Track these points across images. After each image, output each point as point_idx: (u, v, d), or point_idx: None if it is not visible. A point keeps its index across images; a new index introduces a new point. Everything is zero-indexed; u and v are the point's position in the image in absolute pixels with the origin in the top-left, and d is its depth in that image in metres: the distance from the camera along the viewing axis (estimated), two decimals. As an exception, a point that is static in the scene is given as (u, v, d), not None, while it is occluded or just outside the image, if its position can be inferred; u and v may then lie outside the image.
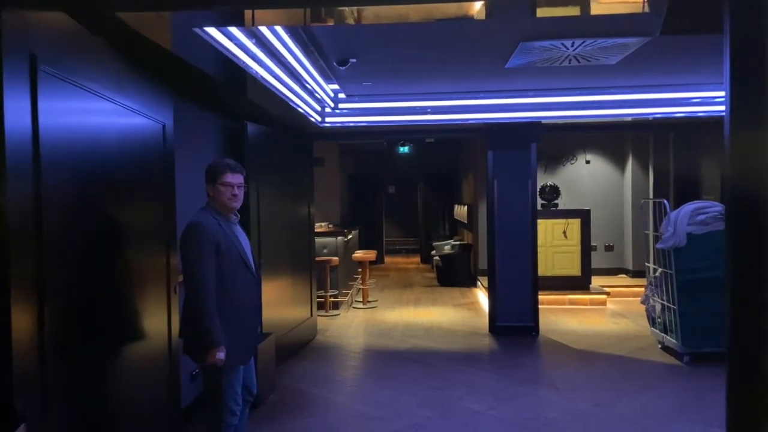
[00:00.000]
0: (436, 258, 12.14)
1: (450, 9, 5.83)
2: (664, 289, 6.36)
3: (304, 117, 6.11)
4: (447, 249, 12.24)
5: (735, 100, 1.77)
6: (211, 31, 3.24)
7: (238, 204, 3.26)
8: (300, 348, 6.68)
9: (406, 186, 17.34)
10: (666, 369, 5.90)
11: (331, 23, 5.52)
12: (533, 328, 7.31)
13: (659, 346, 6.59)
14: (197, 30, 3.13)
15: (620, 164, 11.08)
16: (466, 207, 12.44)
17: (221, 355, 3.04)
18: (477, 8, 5.73)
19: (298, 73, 4.67)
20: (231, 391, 3.18)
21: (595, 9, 5.27)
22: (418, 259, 16.26)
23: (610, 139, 10.87)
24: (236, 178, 3.24)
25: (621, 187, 11.07)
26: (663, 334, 6.43)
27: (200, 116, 5.08)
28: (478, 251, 10.80)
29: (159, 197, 3.40)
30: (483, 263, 9.78)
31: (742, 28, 1.72)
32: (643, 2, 3.30)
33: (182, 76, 3.80)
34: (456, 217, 13.87)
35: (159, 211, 3.41)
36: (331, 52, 4.66)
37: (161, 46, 3.05)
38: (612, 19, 3.74)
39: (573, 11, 5.24)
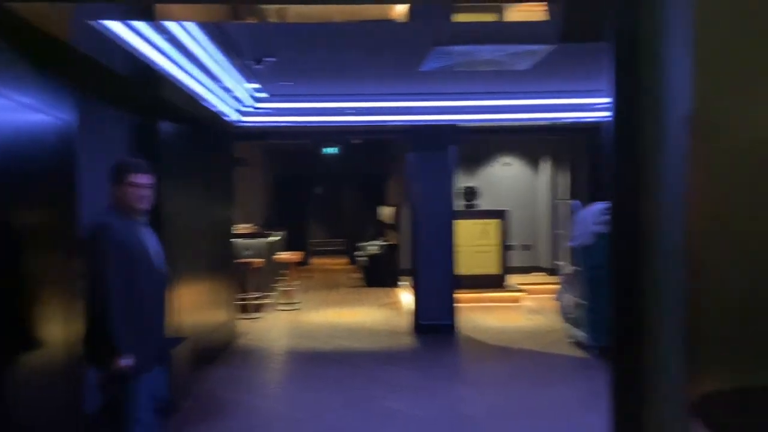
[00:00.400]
0: (363, 259, 12.19)
1: (373, 11, 5.88)
2: (575, 285, 6.67)
3: (221, 116, 5.98)
4: (373, 250, 12.30)
5: (619, 106, 1.88)
6: (114, 25, 3.11)
7: (145, 205, 3.15)
8: (220, 352, 6.53)
9: (334, 187, 17.29)
10: (576, 362, 6.18)
11: (252, 21, 5.43)
12: (453, 326, 7.48)
13: (571, 340, 6.89)
14: (95, 23, 3.00)
15: (538, 166, 11.52)
16: (391, 208, 12.55)
17: (127, 361, 2.93)
18: (399, 11, 5.80)
19: (214, 71, 4.57)
20: (138, 399, 3.07)
21: (512, 17, 5.43)
22: (344, 260, 16.24)
23: (528, 142, 11.28)
24: (144, 178, 3.13)
25: (538, 188, 11.51)
26: (574, 328, 6.73)
27: (109, 114, 4.87)
28: (404, 252, 10.93)
29: (60, 198, 3.24)
30: (407, 263, 9.91)
31: (624, 38, 1.84)
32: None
33: (87, 72, 3.63)
34: (383, 217, 13.98)
35: (59, 213, 3.24)
36: (250, 51, 4.59)
37: (61, 39, 2.90)
38: (516, 26, 3.89)
39: (490, 17, 5.40)
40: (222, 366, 6.09)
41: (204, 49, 4.05)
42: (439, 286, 7.44)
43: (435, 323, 7.46)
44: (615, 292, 1.88)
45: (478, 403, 4.96)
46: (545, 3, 3.20)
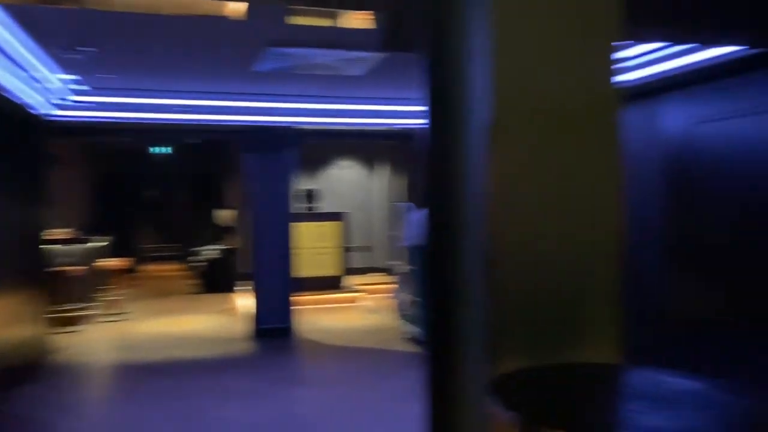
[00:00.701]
0: (199, 264, 11.70)
1: (206, 6, 5.68)
2: (410, 284, 7.00)
3: (28, 108, 5.39)
4: (210, 254, 11.87)
5: (430, 114, 2.02)
6: None
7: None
8: (27, 370, 5.85)
9: (166, 189, 16.38)
10: (411, 357, 6.47)
11: (70, 6, 4.97)
12: (292, 329, 7.47)
13: (407, 336, 7.21)
14: None
15: (378, 170, 11.91)
16: (230, 210, 12.21)
17: None
18: (233, 8, 5.67)
19: (18, 58, 4.11)
20: None
21: (346, 23, 5.56)
22: (179, 266, 15.44)
23: (368, 145, 11.62)
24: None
25: (378, 191, 11.91)
26: (410, 325, 7.06)
27: None
28: (242, 255, 10.67)
29: None
30: (246, 267, 9.69)
31: (434, 50, 1.98)
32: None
33: None
34: (221, 221, 13.53)
35: None
36: (65, 38, 4.19)
37: None
38: (348, 33, 4.01)
39: (325, 22, 5.48)
40: (30, 385, 5.47)
41: (6, 32, 3.63)
42: (278, 289, 7.39)
43: (274, 327, 7.39)
44: (429, 287, 2.01)
45: (313, 403, 5.00)
46: (372, 12, 3.33)
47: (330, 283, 9.76)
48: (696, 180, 4.18)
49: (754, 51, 3.39)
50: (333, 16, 5.56)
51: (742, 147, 3.81)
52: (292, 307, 7.50)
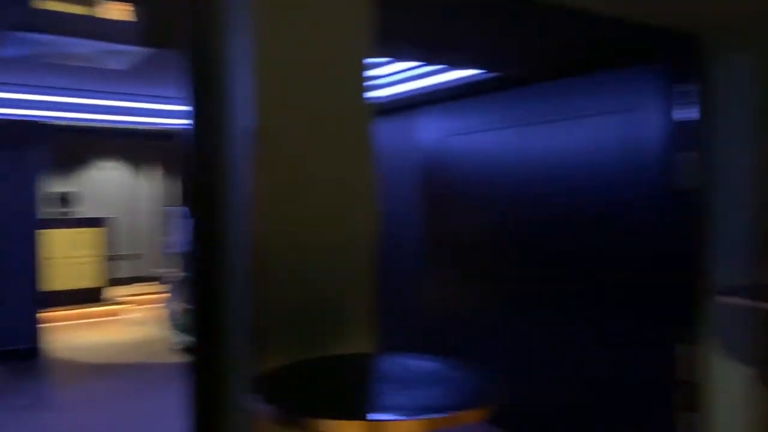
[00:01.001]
0: None
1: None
2: (183, 291, 6.68)
3: None
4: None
5: (194, 115, 1.98)
6: None
7: None
8: None
9: None
10: (181, 368, 6.18)
11: None
12: (37, 349, 6.63)
13: (178, 347, 6.86)
14: None
15: (147, 172, 11.13)
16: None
17: None
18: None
19: None
20: None
21: (104, 13, 5.15)
22: None
23: (136, 145, 10.81)
24: None
25: (148, 194, 11.13)
26: (182, 334, 6.73)
27: None
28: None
29: None
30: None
31: (197, 50, 1.95)
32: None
33: None
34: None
35: None
36: None
37: None
38: (107, 23, 3.73)
39: (78, 9, 5.00)
40: None
41: None
42: (21, 305, 6.50)
43: (16, 348, 6.49)
44: (194, 293, 1.97)
45: (64, 430, 4.51)
46: (131, 4, 3.14)
47: (89, 296, 8.87)
48: (447, 187, 4.69)
49: (494, 74, 3.95)
50: (88, 3, 5.11)
51: (484, 157, 4.39)
52: (40, 325, 6.65)
